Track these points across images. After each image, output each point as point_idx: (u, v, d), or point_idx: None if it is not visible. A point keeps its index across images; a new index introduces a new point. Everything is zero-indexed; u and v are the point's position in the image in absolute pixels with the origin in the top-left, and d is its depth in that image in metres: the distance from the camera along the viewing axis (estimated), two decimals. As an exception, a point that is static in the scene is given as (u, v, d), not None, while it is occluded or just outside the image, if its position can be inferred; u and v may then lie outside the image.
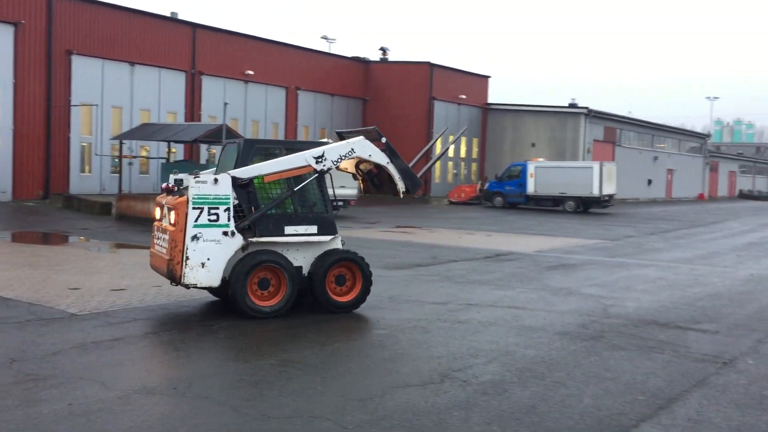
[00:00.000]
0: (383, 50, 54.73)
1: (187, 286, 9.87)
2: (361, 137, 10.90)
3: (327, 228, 10.53)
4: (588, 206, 40.34)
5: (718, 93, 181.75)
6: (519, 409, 6.56)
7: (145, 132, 32.24)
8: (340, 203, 27.77)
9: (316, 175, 10.40)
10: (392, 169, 11.02)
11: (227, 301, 10.41)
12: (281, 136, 44.50)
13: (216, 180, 9.71)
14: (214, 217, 9.67)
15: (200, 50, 39.99)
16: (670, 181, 66.50)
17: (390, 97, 51.33)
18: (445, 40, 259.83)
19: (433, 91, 50.90)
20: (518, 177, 42.22)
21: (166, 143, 33.72)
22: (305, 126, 47.52)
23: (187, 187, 9.83)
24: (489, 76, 57.31)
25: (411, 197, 11.88)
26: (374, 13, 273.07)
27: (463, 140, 54.59)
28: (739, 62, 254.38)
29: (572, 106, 55.24)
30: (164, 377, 7.27)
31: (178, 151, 37.82)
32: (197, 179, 9.66)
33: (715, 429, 6.27)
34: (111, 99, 35.89)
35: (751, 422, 6.46)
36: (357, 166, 11.48)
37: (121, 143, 32.65)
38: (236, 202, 9.93)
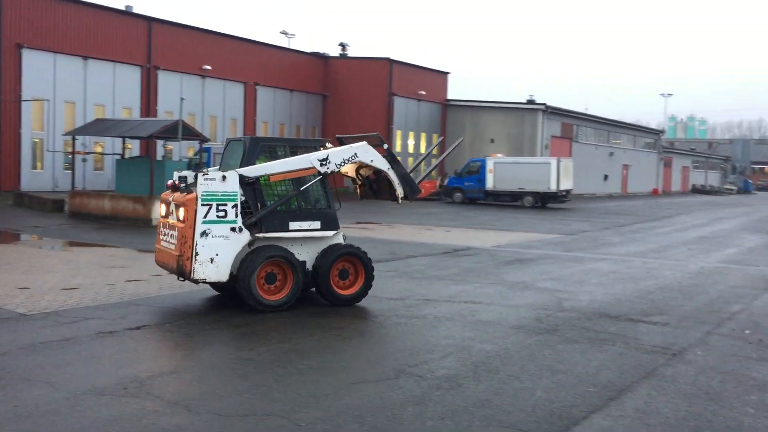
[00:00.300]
0: (343, 46, 54.58)
1: (196, 281, 10.02)
2: (364, 142, 11.16)
3: (330, 223, 10.79)
4: (546, 201, 40.81)
5: (672, 90, 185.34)
6: (473, 403, 6.61)
7: (99, 128, 31.54)
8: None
9: (320, 177, 10.63)
10: (392, 175, 11.31)
11: (232, 296, 10.60)
12: (240, 132, 44.07)
13: (224, 177, 9.86)
14: (222, 214, 9.83)
15: (156, 45, 39.32)
16: (625, 176, 67.70)
17: (349, 92, 51.21)
18: (405, 36, 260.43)
19: (393, 87, 50.94)
20: (477, 173, 42.50)
21: (121, 139, 33.03)
22: (264, 122, 47.13)
23: (193, 184, 10.00)
24: (448, 73, 57.58)
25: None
26: (334, 9, 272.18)
27: (423, 136, 54.81)
28: (693, 60, 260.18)
29: (530, 102, 55.85)
30: (115, 377, 7.13)
31: (134, 147, 37.12)
32: (206, 176, 9.80)
33: (662, 419, 6.40)
34: (63, 94, 35.09)
35: (698, 412, 6.62)
36: (357, 170, 11.72)
37: (74, 139, 31.82)
38: (243, 198, 10.07)
